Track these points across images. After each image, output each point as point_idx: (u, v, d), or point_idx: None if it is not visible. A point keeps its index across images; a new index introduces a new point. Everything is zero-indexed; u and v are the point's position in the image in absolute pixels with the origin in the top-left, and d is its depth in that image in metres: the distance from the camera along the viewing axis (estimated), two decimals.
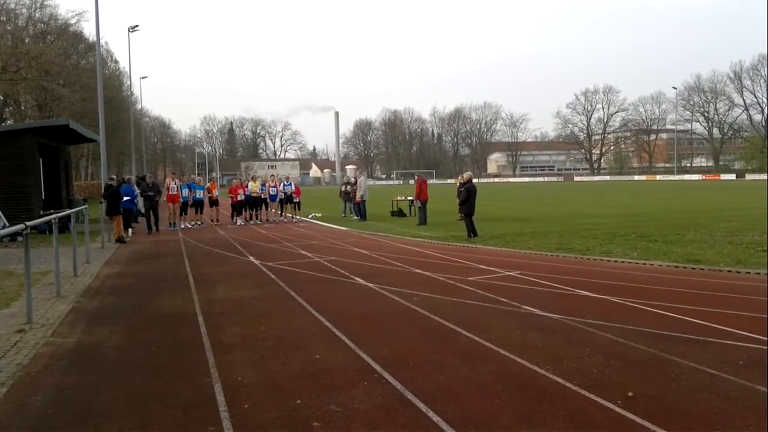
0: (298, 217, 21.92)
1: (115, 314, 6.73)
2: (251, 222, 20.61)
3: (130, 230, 16.50)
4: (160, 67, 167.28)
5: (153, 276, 9.59)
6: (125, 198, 15.86)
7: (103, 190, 16.58)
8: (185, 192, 18.97)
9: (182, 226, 18.81)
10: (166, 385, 4.25)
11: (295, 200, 21.79)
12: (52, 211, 17.21)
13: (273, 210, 21.86)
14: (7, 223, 14.39)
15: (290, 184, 22.11)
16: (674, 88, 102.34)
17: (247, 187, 20.97)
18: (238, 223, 20.06)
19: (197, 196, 19.58)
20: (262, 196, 21.03)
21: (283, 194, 21.44)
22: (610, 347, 4.91)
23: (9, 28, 38.18)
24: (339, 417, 3.59)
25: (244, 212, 20.72)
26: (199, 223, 19.89)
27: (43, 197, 20.00)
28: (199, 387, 4.19)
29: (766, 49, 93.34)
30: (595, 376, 4.22)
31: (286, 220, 21.29)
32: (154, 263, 11.16)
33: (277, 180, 22.16)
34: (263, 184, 21.31)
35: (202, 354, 5.01)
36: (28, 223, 6.20)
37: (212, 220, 20.75)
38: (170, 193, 18.91)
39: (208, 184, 22.22)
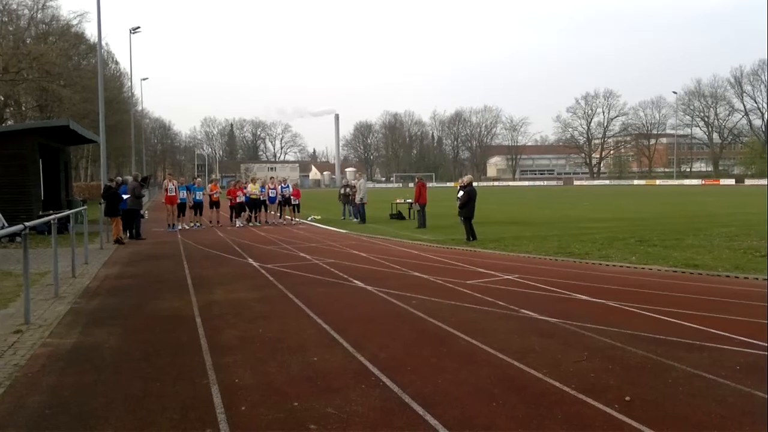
0: (297, 219, 21.92)
1: (113, 315, 6.73)
2: (250, 224, 20.61)
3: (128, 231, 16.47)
4: (161, 68, 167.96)
5: (151, 277, 9.58)
6: (125, 198, 15.85)
7: (102, 191, 16.57)
8: (183, 194, 18.96)
9: (179, 228, 18.81)
10: (164, 386, 4.25)
11: (293, 202, 21.81)
12: (51, 211, 17.20)
13: (272, 212, 21.87)
14: (6, 224, 14.36)
15: (287, 187, 22.12)
16: (674, 92, 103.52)
17: (246, 188, 20.99)
18: (238, 225, 20.06)
19: (196, 198, 19.60)
20: (261, 198, 21.06)
21: (281, 196, 21.46)
22: (608, 351, 4.91)
23: (11, 28, 38.27)
24: (336, 420, 3.59)
25: (243, 214, 20.73)
26: (198, 224, 19.88)
27: (43, 198, 19.99)
28: (197, 389, 4.19)
29: (766, 55, 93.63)
30: (593, 381, 4.22)
31: (285, 222, 21.29)
32: (152, 264, 11.15)
33: (276, 182, 22.19)
34: (263, 186, 21.35)
35: (200, 356, 5.00)
36: (27, 224, 6.20)
37: (211, 222, 20.74)
38: (168, 194, 18.92)
39: (209, 185, 22.21)
